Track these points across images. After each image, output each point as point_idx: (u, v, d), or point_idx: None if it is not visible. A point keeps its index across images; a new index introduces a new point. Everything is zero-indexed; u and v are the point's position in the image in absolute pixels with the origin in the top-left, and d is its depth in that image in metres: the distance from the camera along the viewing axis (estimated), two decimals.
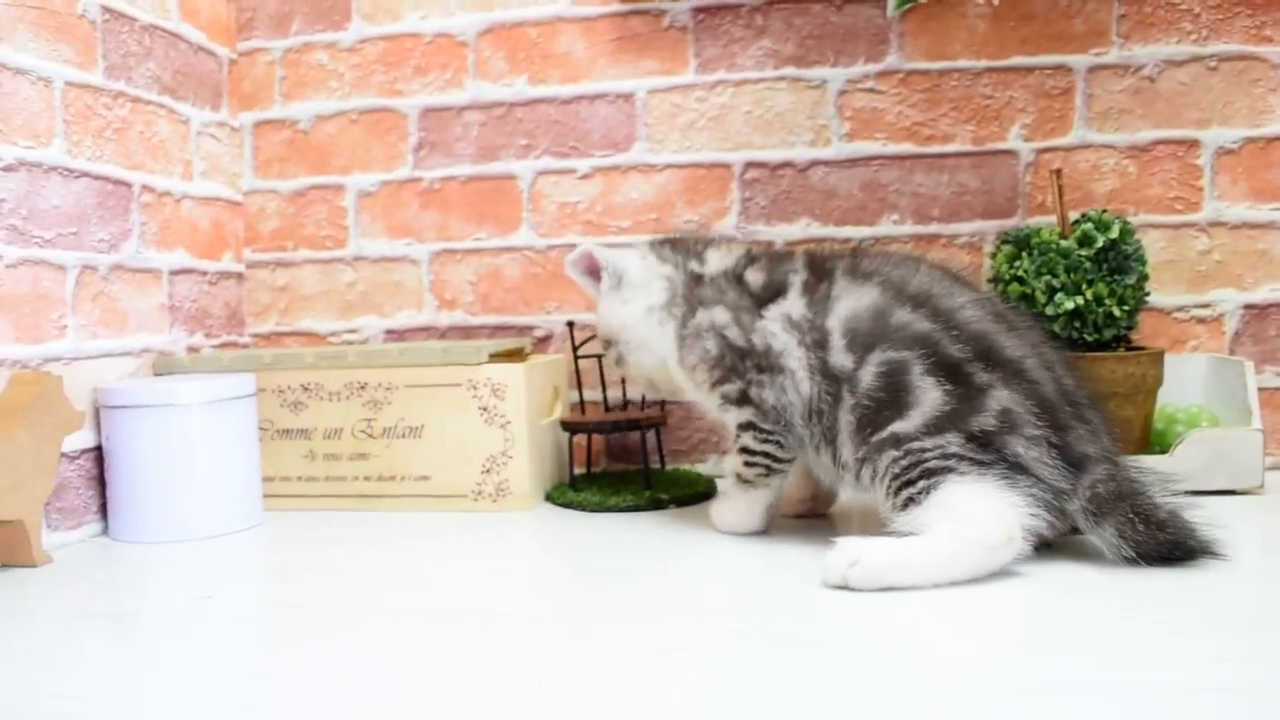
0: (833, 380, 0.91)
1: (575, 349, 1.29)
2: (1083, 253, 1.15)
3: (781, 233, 1.30)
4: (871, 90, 1.29)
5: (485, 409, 1.16)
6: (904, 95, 1.28)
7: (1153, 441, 1.21)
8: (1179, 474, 1.11)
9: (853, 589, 0.80)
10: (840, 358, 0.91)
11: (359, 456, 1.18)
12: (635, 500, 1.15)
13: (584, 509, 1.15)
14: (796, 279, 0.98)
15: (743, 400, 0.97)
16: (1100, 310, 1.15)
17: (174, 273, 1.25)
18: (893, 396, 0.87)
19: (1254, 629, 0.71)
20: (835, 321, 0.92)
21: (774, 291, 0.98)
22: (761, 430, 0.97)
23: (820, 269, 0.98)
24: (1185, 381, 1.26)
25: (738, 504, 1.03)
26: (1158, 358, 1.16)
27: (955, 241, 1.29)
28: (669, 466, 1.31)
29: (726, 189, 1.30)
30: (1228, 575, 0.82)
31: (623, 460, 1.33)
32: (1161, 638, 0.70)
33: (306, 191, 1.36)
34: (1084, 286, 1.15)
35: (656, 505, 1.15)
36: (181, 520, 1.08)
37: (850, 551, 0.81)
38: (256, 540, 1.07)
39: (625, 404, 1.31)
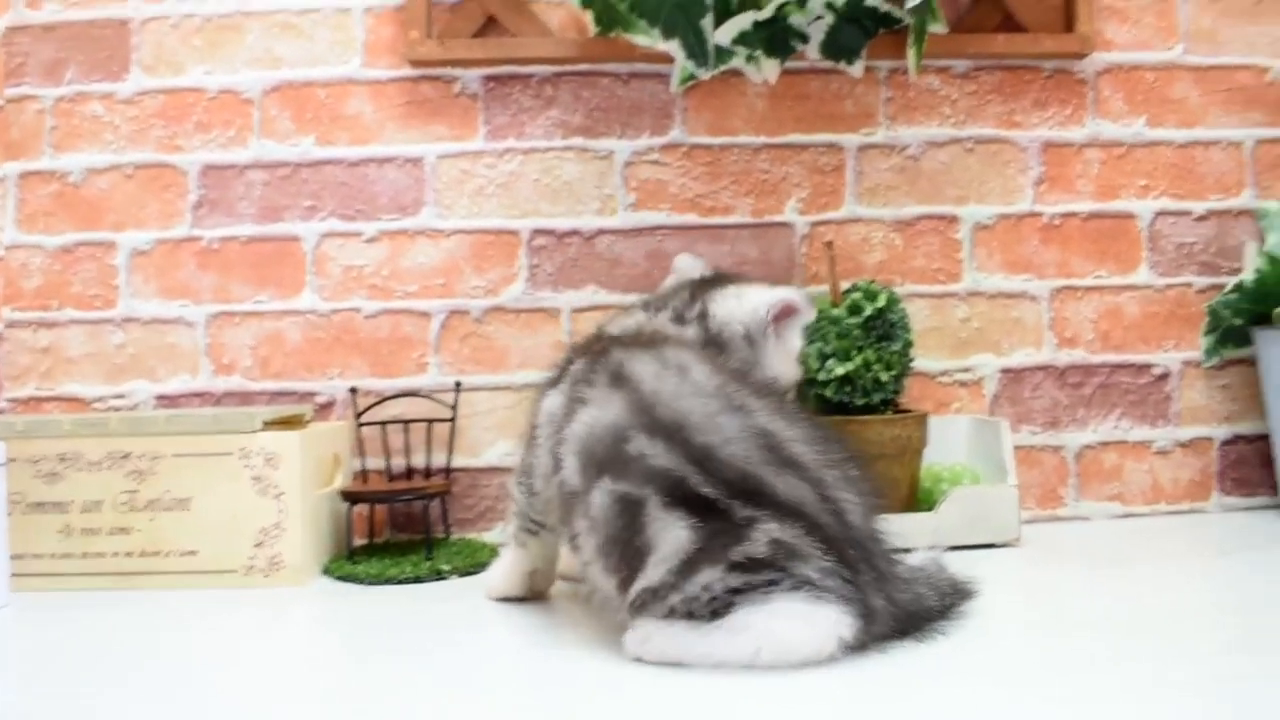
0: (568, 495, 0.84)
1: (358, 415, 1.26)
2: (852, 320, 1.21)
3: (569, 299, 1.31)
4: (656, 162, 1.33)
5: (258, 479, 1.11)
6: (687, 168, 1.33)
7: (920, 499, 1.27)
8: (944, 529, 1.19)
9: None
10: (571, 475, 0.83)
11: (120, 531, 1.11)
12: (415, 571, 1.12)
13: (361, 582, 1.12)
14: (577, 365, 0.91)
15: (524, 452, 0.96)
16: (869, 375, 1.21)
17: None
18: (628, 534, 0.78)
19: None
20: (572, 432, 0.84)
21: (561, 371, 0.94)
22: (522, 485, 0.96)
23: (598, 360, 0.88)
24: (950, 442, 1.33)
25: (502, 563, 1.02)
26: (921, 420, 1.23)
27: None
28: (455, 536, 1.29)
29: (514, 255, 1.31)
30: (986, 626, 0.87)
31: (407, 530, 1.30)
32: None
33: (74, 248, 1.29)
34: (853, 353, 1.21)
35: (437, 576, 1.13)
36: None
37: (641, 632, 0.79)
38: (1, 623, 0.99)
39: (409, 472, 1.29)
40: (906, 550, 0.92)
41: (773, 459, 0.79)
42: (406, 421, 1.27)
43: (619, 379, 0.84)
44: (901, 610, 0.82)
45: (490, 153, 1.31)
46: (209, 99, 1.30)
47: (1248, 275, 1.27)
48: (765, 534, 0.76)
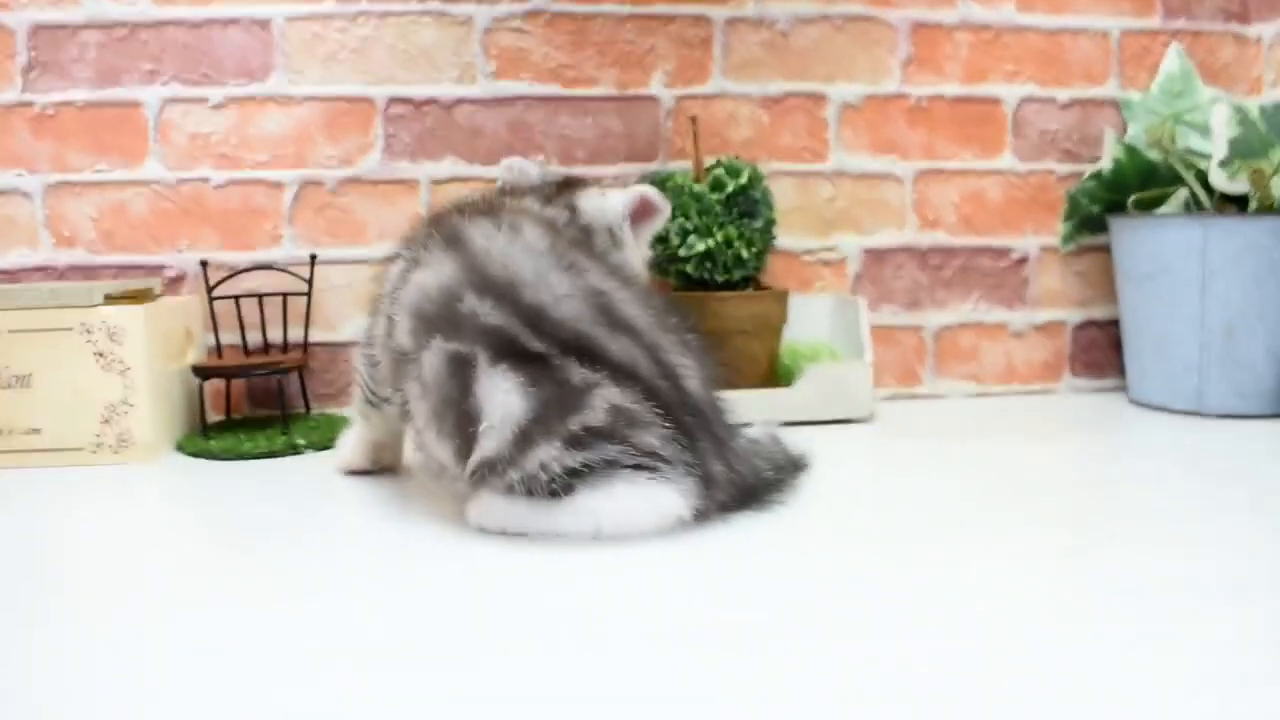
0: (399, 357, 0.82)
1: (210, 289, 1.23)
2: (714, 197, 1.20)
3: (427, 171, 1.28)
4: (518, 30, 1.28)
5: (102, 354, 1.08)
6: (550, 36, 1.29)
7: (780, 375, 1.28)
8: (800, 405, 1.21)
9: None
10: (403, 336, 0.81)
11: None
12: (269, 447, 1.11)
13: (215, 457, 1.10)
14: (420, 234, 0.88)
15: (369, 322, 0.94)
16: (730, 252, 1.20)
17: None
18: (460, 395, 0.76)
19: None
20: (406, 294, 0.82)
21: (407, 242, 0.90)
22: (365, 355, 0.95)
23: (436, 225, 0.86)
24: (812, 320, 1.34)
25: (349, 436, 1.02)
26: (782, 297, 1.23)
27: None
28: (315, 411, 1.28)
29: (370, 124, 1.27)
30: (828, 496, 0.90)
31: (265, 406, 1.28)
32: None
33: None
34: (715, 229, 1.20)
35: (293, 451, 1.12)
36: None
37: (481, 506, 0.80)
38: None
39: (266, 347, 1.27)
40: (746, 425, 0.94)
41: (605, 319, 0.78)
42: (261, 296, 1.25)
43: (454, 241, 0.82)
44: (740, 479, 0.83)
45: (342, 15, 1.25)
46: None
47: (1106, 164, 1.28)
48: (603, 400, 0.75)
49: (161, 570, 0.75)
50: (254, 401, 1.29)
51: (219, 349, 1.25)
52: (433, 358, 0.77)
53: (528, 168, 1.05)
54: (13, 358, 1.08)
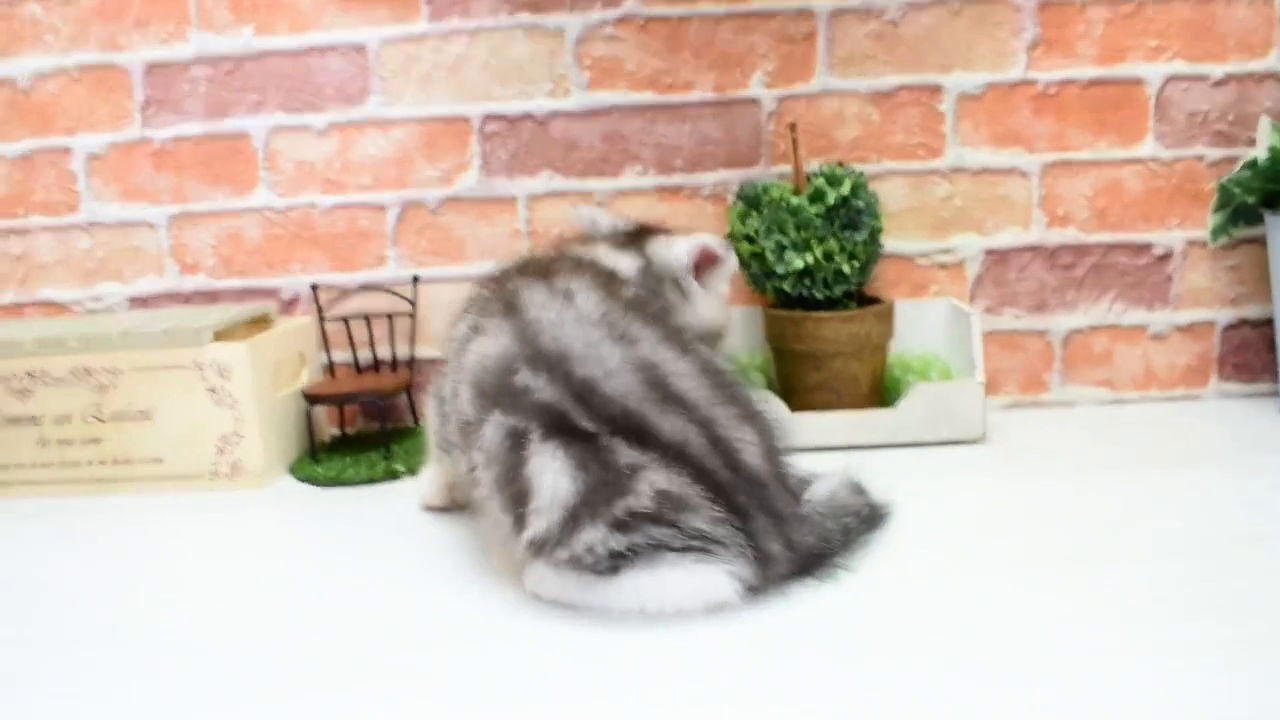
0: (464, 425, 0.83)
1: (321, 311, 1.27)
2: (813, 209, 1.14)
3: (525, 187, 1.27)
4: (611, 37, 1.24)
5: (213, 390, 1.14)
6: (644, 42, 1.24)
7: (889, 389, 1.23)
8: (904, 427, 1.16)
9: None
10: (466, 405, 0.82)
11: (92, 441, 1.17)
12: (370, 473, 1.16)
13: (319, 483, 1.16)
14: (482, 296, 0.89)
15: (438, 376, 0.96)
16: (830, 267, 1.15)
17: None
18: (514, 470, 0.76)
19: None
20: (467, 361, 0.83)
21: (469, 303, 0.91)
22: (434, 406, 0.97)
23: (498, 287, 0.87)
24: (926, 328, 1.27)
25: (427, 474, 1.04)
26: (884, 314, 1.17)
27: (700, 193, 1.27)
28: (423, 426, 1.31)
29: (466, 143, 1.26)
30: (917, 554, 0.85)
31: (379, 420, 1.33)
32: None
33: (32, 155, 1.30)
34: (814, 244, 1.15)
35: (392, 476, 1.16)
36: None
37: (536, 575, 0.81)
38: None
39: (376, 364, 1.30)
40: (820, 477, 0.91)
41: (657, 395, 0.77)
42: (368, 316, 1.28)
43: (510, 309, 0.82)
44: (802, 553, 0.80)
45: (435, 34, 1.24)
46: None
47: (1261, 152, 1.14)
48: (649, 485, 0.74)
49: (232, 593, 0.80)
50: (367, 415, 1.33)
51: (331, 368, 1.29)
52: (493, 430, 0.78)
53: (598, 216, 1.03)
54: (136, 394, 1.15)
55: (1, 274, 1.32)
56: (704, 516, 0.75)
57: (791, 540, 0.80)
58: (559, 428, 0.76)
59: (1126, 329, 1.27)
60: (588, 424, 0.76)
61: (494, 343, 0.81)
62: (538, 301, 0.81)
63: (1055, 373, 1.28)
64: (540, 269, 0.87)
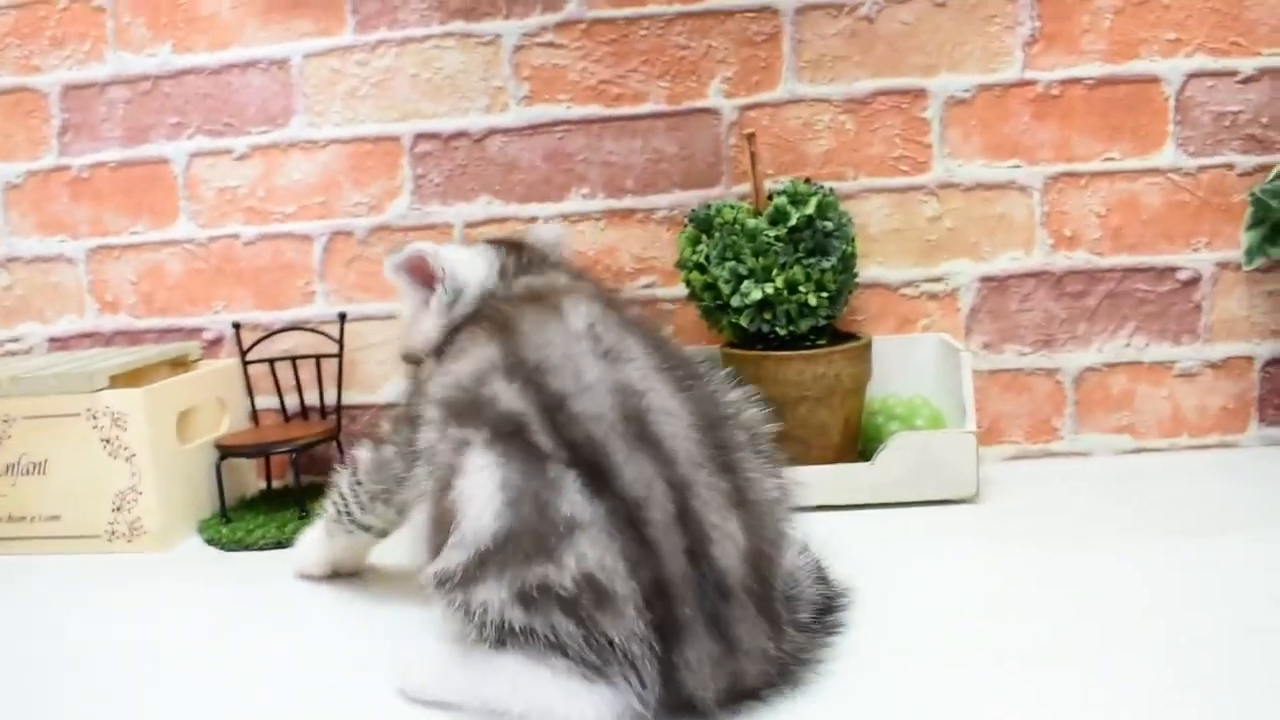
0: (421, 454, 0.71)
1: (244, 354, 1.16)
2: (773, 232, 1.00)
3: (460, 213, 1.15)
4: (551, 44, 1.12)
5: (107, 440, 1.04)
6: (588, 49, 1.11)
7: (869, 439, 1.07)
8: (883, 483, 1.00)
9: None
10: (429, 432, 0.70)
11: None
12: (278, 535, 1.04)
13: (222, 547, 1.04)
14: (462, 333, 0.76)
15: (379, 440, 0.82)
16: (794, 299, 1.00)
17: None
18: (447, 482, 0.65)
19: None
20: (439, 383, 0.71)
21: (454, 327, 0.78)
22: (352, 483, 0.84)
23: (487, 317, 0.74)
24: (915, 368, 1.11)
25: (310, 537, 0.92)
26: (857, 353, 1.02)
27: (654, 216, 1.13)
28: None
29: (397, 165, 1.15)
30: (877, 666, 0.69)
31: (310, 472, 1.21)
32: None
33: None
34: (775, 272, 1.00)
35: None
36: None
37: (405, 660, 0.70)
38: None
39: (304, 412, 1.19)
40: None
41: (631, 429, 0.62)
42: (295, 358, 1.17)
43: (505, 328, 0.70)
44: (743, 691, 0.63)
45: (361, 46, 1.14)
46: (60, 10, 1.17)
47: None
48: (577, 561, 0.59)
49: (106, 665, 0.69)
50: (298, 469, 1.21)
51: (255, 416, 1.18)
52: (445, 446, 0.67)
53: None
54: (29, 444, 1.05)
55: None
56: (623, 628, 0.59)
57: (738, 676, 0.62)
58: (509, 436, 0.63)
59: (1149, 366, 1.09)
60: (544, 441, 0.63)
61: (474, 360, 0.69)
62: (528, 316, 0.70)
63: (1067, 418, 1.11)
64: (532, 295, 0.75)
